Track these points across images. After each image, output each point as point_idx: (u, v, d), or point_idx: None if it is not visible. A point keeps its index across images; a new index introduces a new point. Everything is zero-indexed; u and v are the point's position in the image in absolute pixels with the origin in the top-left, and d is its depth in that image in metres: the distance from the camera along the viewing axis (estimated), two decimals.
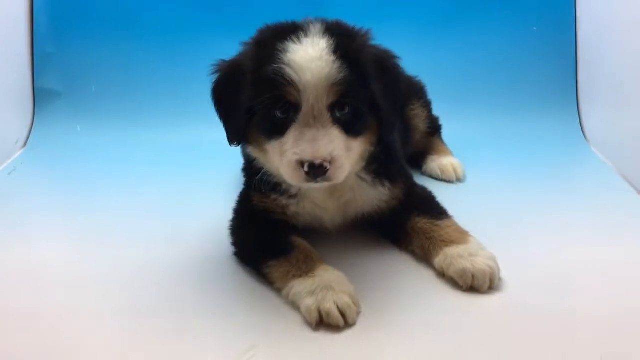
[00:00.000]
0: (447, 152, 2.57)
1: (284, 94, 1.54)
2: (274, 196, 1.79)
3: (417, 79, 2.51)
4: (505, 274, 1.67)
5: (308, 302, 1.51)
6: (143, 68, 3.17)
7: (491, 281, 1.61)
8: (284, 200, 1.79)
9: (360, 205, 1.84)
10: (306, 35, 1.59)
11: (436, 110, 2.60)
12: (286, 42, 1.57)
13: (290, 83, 1.53)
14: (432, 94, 2.58)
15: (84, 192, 2.47)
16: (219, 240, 1.91)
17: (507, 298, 1.61)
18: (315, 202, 1.80)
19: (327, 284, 1.54)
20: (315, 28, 1.61)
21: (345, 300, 1.50)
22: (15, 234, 2.08)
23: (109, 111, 3.10)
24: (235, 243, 1.84)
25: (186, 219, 2.15)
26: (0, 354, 1.45)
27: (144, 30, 3.18)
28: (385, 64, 1.69)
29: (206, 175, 2.57)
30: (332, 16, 1.72)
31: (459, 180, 2.46)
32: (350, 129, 1.60)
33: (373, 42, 1.70)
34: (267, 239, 1.76)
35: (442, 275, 1.69)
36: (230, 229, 1.87)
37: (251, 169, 1.82)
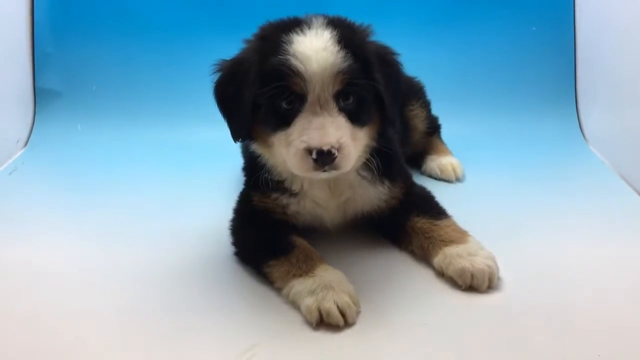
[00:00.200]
0: (447, 151, 2.58)
1: (289, 84, 1.55)
2: (274, 195, 1.80)
3: (417, 79, 2.52)
4: (504, 273, 1.68)
5: (308, 302, 1.52)
6: (143, 67, 3.17)
7: (490, 280, 1.62)
8: (284, 199, 1.80)
9: (360, 204, 1.85)
10: (309, 27, 1.61)
11: (435, 110, 2.61)
12: (290, 34, 1.59)
13: (296, 73, 1.54)
14: (431, 94, 2.59)
15: (84, 191, 2.48)
16: (219, 240, 1.92)
17: (506, 297, 1.62)
18: (316, 201, 1.81)
19: (327, 283, 1.55)
20: (318, 21, 1.64)
21: (345, 299, 1.51)
22: (16, 234, 2.09)
23: (109, 110, 3.11)
24: (236, 243, 1.85)
25: (186, 218, 2.16)
26: (1, 354, 1.46)
27: (144, 30, 3.18)
28: (387, 58, 1.72)
29: (206, 174, 2.57)
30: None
31: (458, 179, 2.46)
32: (356, 118, 1.61)
33: (373, 38, 1.73)
34: (267, 238, 1.76)
35: (441, 274, 1.70)
36: (231, 229, 1.88)
37: (253, 167, 1.82)
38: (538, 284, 1.68)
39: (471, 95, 3.09)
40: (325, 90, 1.55)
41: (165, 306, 1.63)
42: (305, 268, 1.62)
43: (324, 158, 1.52)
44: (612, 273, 1.75)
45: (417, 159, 2.57)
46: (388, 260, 1.82)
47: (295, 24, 1.63)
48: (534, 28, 3.17)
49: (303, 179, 1.77)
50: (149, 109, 3.11)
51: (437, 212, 1.86)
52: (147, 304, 1.65)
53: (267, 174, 1.77)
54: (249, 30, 1.74)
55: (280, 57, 1.56)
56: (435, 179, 2.49)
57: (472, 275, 1.62)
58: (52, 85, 3.16)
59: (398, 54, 1.77)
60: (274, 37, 1.61)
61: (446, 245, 1.72)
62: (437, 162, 2.50)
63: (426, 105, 2.54)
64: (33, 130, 3.08)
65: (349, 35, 1.62)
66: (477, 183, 2.45)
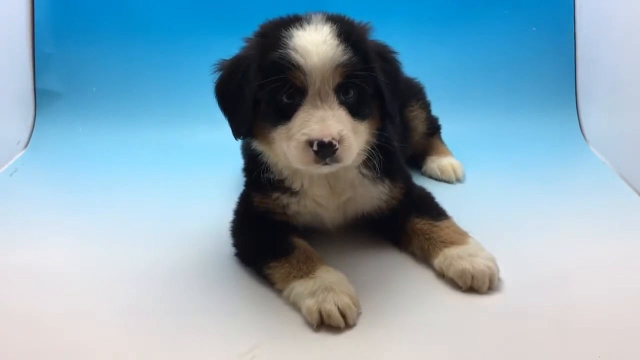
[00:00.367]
0: (447, 152, 2.58)
1: (290, 78, 1.56)
2: (275, 195, 1.80)
3: (416, 80, 2.52)
4: (504, 274, 1.68)
5: (309, 303, 1.52)
6: (144, 69, 3.18)
7: (490, 282, 1.63)
8: (285, 199, 1.80)
9: (360, 204, 1.85)
10: (309, 23, 1.63)
11: (435, 110, 2.61)
12: (290, 29, 1.60)
13: (296, 67, 1.55)
14: (431, 94, 2.59)
15: (85, 192, 2.49)
16: (219, 241, 1.92)
17: (506, 298, 1.62)
18: (316, 200, 1.81)
19: (327, 285, 1.55)
20: (317, 17, 1.65)
21: (345, 301, 1.51)
22: (17, 235, 2.09)
23: (109, 112, 3.11)
24: (236, 244, 1.85)
25: (187, 219, 2.16)
26: (2, 356, 1.47)
27: (144, 31, 3.18)
28: (386, 56, 1.73)
29: (207, 175, 2.58)
30: None
31: (458, 180, 2.47)
32: (356, 112, 1.62)
33: (372, 37, 1.74)
34: (268, 240, 1.77)
35: (441, 275, 1.71)
36: (231, 230, 1.88)
37: (254, 166, 1.82)
38: (538, 285, 1.68)
39: (471, 95, 3.10)
40: (326, 83, 1.56)
41: (166, 307, 1.64)
42: (306, 269, 1.62)
43: (325, 150, 1.52)
44: (613, 273, 1.75)
45: (417, 160, 2.57)
46: (388, 261, 1.82)
47: (295, 20, 1.65)
48: (534, 28, 3.17)
49: (303, 177, 1.77)
50: (149, 109, 3.11)
51: (437, 213, 1.86)
52: (147, 305, 1.65)
53: (267, 173, 1.78)
54: (250, 31, 1.75)
55: (280, 51, 1.57)
56: (436, 179, 2.49)
57: (473, 277, 1.62)
58: (52, 86, 3.16)
59: (397, 53, 1.78)
60: (274, 32, 1.63)
61: (446, 247, 1.72)
62: (438, 162, 2.50)
63: (426, 106, 2.54)
64: (33, 131, 3.08)
65: (348, 30, 1.63)
66: (478, 184, 2.45)
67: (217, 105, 1.76)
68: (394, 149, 1.88)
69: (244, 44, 1.73)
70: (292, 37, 1.59)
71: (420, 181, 2.22)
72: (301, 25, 1.62)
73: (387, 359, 1.41)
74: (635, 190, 2.33)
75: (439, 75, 2.96)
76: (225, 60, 1.74)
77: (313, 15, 1.66)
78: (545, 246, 1.90)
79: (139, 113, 3.11)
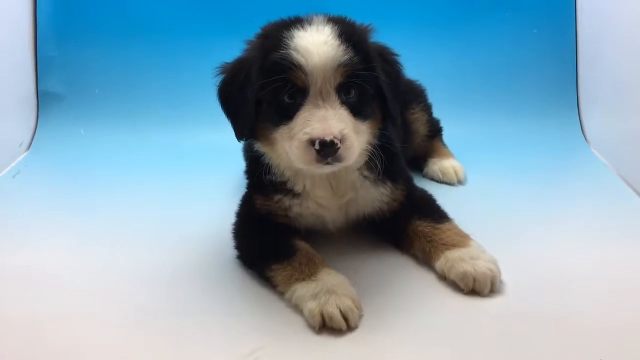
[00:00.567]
0: (449, 154, 2.58)
1: (291, 78, 1.57)
2: (277, 197, 1.81)
3: (418, 82, 2.53)
4: (506, 277, 1.68)
5: (311, 306, 1.52)
6: (146, 71, 3.18)
7: (492, 284, 1.63)
8: (287, 201, 1.81)
9: (362, 206, 1.85)
10: (311, 24, 1.64)
11: (437, 113, 2.61)
12: (292, 31, 1.62)
13: (298, 67, 1.56)
14: (433, 97, 2.59)
15: (87, 194, 2.49)
16: (222, 244, 1.92)
17: (508, 301, 1.62)
18: (318, 202, 1.81)
19: (330, 287, 1.55)
20: (319, 19, 1.67)
21: (347, 304, 1.51)
22: (20, 236, 2.10)
23: (112, 114, 3.12)
24: (238, 247, 1.85)
25: (189, 222, 2.17)
26: (3, 358, 1.47)
27: (146, 34, 3.19)
28: (388, 57, 1.74)
29: (209, 177, 2.58)
30: None
31: (460, 183, 2.47)
32: (358, 112, 1.63)
33: (374, 39, 1.75)
34: (270, 242, 1.77)
35: (443, 278, 1.71)
36: (233, 233, 1.88)
37: (256, 168, 1.82)
38: (540, 288, 1.68)
39: (473, 98, 3.09)
40: (327, 83, 1.57)
41: (168, 310, 1.64)
42: (308, 272, 1.62)
43: (327, 149, 1.53)
44: (615, 276, 1.75)
45: (419, 163, 2.57)
46: (390, 264, 1.82)
47: (297, 22, 1.66)
48: (536, 31, 3.17)
49: (306, 178, 1.78)
50: (151, 112, 3.12)
51: (439, 215, 1.86)
52: (150, 307, 1.65)
53: (270, 175, 1.78)
54: (251, 33, 1.76)
55: (282, 51, 1.58)
56: (438, 182, 2.49)
57: (475, 279, 1.62)
58: (55, 88, 3.17)
59: (399, 55, 1.79)
60: (276, 34, 1.64)
61: (448, 249, 1.72)
62: (439, 165, 2.50)
63: (427, 108, 2.54)
64: (36, 133, 3.09)
65: (349, 31, 1.64)
66: (480, 186, 2.45)
67: (220, 108, 1.77)
68: (396, 150, 1.88)
69: (246, 47, 1.74)
70: (294, 38, 1.60)
71: (422, 184, 2.22)
72: (303, 27, 1.63)
73: None
74: (637, 192, 2.33)
75: (441, 78, 2.96)
76: (228, 63, 1.76)
77: (315, 17, 1.68)
78: (547, 249, 1.90)
79: (141, 115, 3.12)
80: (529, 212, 2.17)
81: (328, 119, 1.55)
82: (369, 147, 1.72)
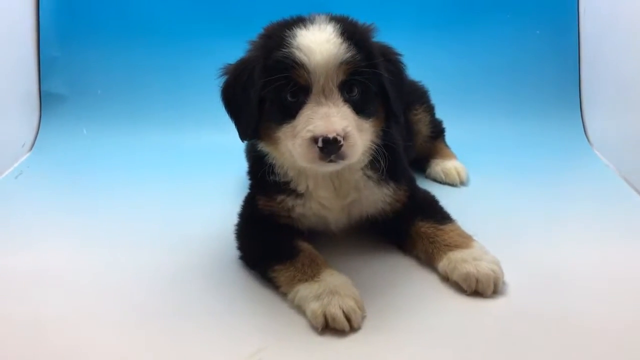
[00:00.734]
0: (451, 155, 2.58)
1: (294, 76, 1.58)
2: (280, 197, 1.81)
3: (420, 83, 2.53)
4: (509, 278, 1.68)
5: (314, 307, 1.52)
6: (148, 72, 3.19)
7: (495, 285, 1.63)
8: (290, 202, 1.81)
9: (365, 206, 1.85)
10: (312, 23, 1.65)
11: (439, 114, 2.61)
12: (294, 29, 1.62)
13: (300, 65, 1.56)
14: (435, 98, 2.59)
15: (90, 195, 2.50)
16: (224, 244, 1.92)
17: (511, 302, 1.62)
18: (321, 202, 1.81)
19: (332, 288, 1.55)
20: (321, 17, 1.67)
21: (350, 304, 1.51)
22: (22, 237, 2.10)
23: (114, 114, 3.13)
24: (241, 247, 1.85)
25: (191, 222, 2.17)
26: (6, 359, 1.47)
27: (149, 34, 3.20)
28: (390, 56, 1.74)
29: (212, 178, 2.58)
30: None
31: (462, 183, 2.47)
32: (360, 110, 1.63)
33: (376, 38, 1.75)
34: (273, 243, 1.77)
35: (446, 279, 1.70)
36: (236, 233, 1.88)
37: (259, 168, 1.82)
38: (543, 289, 1.68)
39: (475, 99, 3.10)
40: (330, 81, 1.58)
41: (170, 310, 1.64)
42: (311, 273, 1.62)
43: (329, 146, 1.53)
44: (617, 277, 1.74)
45: (422, 163, 2.58)
46: (393, 264, 1.82)
47: (299, 21, 1.67)
48: (538, 32, 3.17)
49: (308, 178, 1.78)
50: (154, 112, 3.13)
51: (441, 216, 1.86)
52: (152, 307, 1.65)
53: (272, 175, 1.78)
54: (254, 34, 1.76)
55: (284, 50, 1.59)
56: (440, 183, 2.49)
57: (477, 280, 1.62)
58: (57, 89, 3.18)
59: (401, 54, 1.79)
60: (278, 33, 1.64)
61: (451, 250, 1.72)
62: (442, 166, 2.51)
63: (430, 109, 2.54)
64: (39, 133, 3.10)
65: (351, 29, 1.65)
66: (482, 187, 2.45)
67: (224, 108, 1.77)
68: (399, 150, 1.88)
69: (248, 47, 1.75)
70: (296, 36, 1.60)
71: (424, 184, 2.22)
72: (305, 25, 1.64)
73: None
74: (639, 193, 2.33)
75: (443, 79, 2.96)
76: (230, 64, 1.76)
77: (317, 16, 1.68)
78: (550, 249, 1.90)
79: (143, 115, 3.13)
80: (531, 213, 2.17)
81: (330, 116, 1.55)
82: (372, 145, 1.72)
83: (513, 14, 3.18)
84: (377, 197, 1.84)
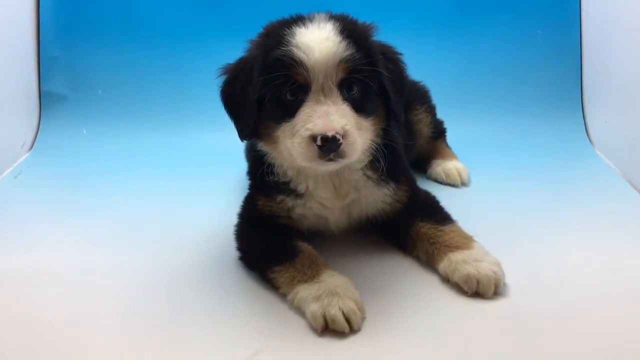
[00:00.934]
0: (452, 156, 2.57)
1: (292, 74, 1.57)
2: (280, 197, 1.80)
3: (422, 83, 2.52)
4: (509, 279, 1.67)
5: (313, 308, 1.51)
6: (149, 72, 3.18)
7: (496, 287, 1.62)
8: (290, 202, 1.80)
9: (365, 206, 1.85)
10: (312, 21, 1.64)
11: (441, 114, 2.60)
12: (293, 28, 1.62)
13: (299, 63, 1.56)
14: (436, 98, 2.58)
15: (89, 194, 2.49)
16: (223, 245, 1.91)
17: (512, 303, 1.61)
18: (321, 202, 1.81)
19: (332, 289, 1.54)
20: (320, 16, 1.67)
21: (350, 306, 1.50)
22: (21, 237, 2.10)
23: (114, 115, 3.12)
24: (240, 248, 1.84)
25: (191, 222, 2.16)
26: (5, 359, 1.46)
27: (149, 34, 3.19)
28: (391, 55, 1.74)
29: (211, 178, 2.58)
30: None
31: (463, 184, 2.46)
32: (360, 108, 1.62)
33: (376, 37, 1.74)
34: (272, 243, 1.76)
35: (446, 280, 1.70)
36: (235, 234, 1.88)
37: (258, 168, 1.81)
38: (544, 290, 1.67)
39: (476, 99, 3.09)
40: (329, 79, 1.57)
41: (169, 311, 1.63)
42: (311, 274, 1.61)
43: (328, 145, 1.52)
44: (619, 278, 1.74)
45: (423, 164, 2.57)
46: (393, 265, 1.81)
47: (298, 19, 1.67)
48: (540, 32, 3.16)
49: (308, 178, 1.77)
50: (154, 113, 3.12)
51: (442, 217, 1.85)
52: (151, 308, 1.65)
53: (272, 175, 1.77)
54: (254, 34, 1.75)
55: (282, 48, 1.58)
56: (441, 183, 2.48)
57: (478, 282, 1.61)
58: (57, 89, 3.17)
59: (401, 54, 1.78)
60: (277, 32, 1.64)
61: (451, 251, 1.71)
62: (443, 166, 2.50)
63: (431, 109, 2.53)
64: (38, 133, 3.10)
65: (351, 28, 1.64)
66: (483, 188, 2.44)
67: (223, 108, 1.77)
68: (399, 149, 1.88)
69: (247, 46, 1.74)
70: (295, 35, 1.60)
71: (425, 185, 2.21)
72: (304, 24, 1.63)
73: None
74: None
75: (444, 79, 2.95)
76: (229, 63, 1.76)
77: (316, 15, 1.68)
78: (551, 251, 1.89)
79: (143, 116, 3.12)
80: (533, 214, 2.16)
81: (329, 115, 1.55)
82: (372, 144, 1.71)
83: (514, 14, 3.17)
84: (377, 197, 1.84)
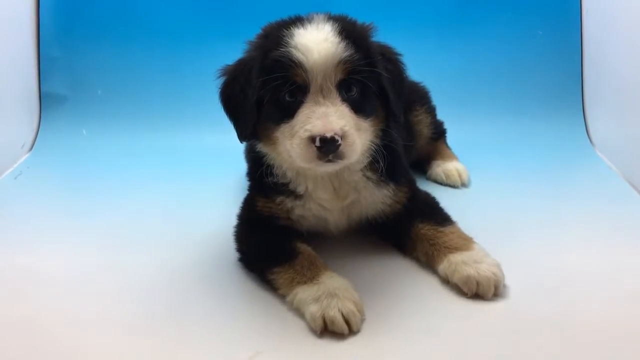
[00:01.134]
0: (452, 156, 2.57)
1: (291, 75, 1.57)
2: (279, 199, 1.80)
3: (422, 84, 2.51)
4: (509, 280, 1.66)
5: (312, 309, 1.51)
6: (149, 72, 3.18)
7: (496, 288, 1.61)
8: (289, 203, 1.80)
9: (365, 207, 1.84)
10: (311, 22, 1.64)
11: (441, 115, 2.60)
12: (292, 29, 1.62)
13: (298, 64, 1.56)
14: (436, 98, 2.58)
15: (89, 195, 2.49)
16: (223, 246, 1.91)
17: (511, 305, 1.61)
18: (321, 204, 1.81)
19: (331, 291, 1.54)
20: (319, 17, 1.67)
21: (349, 307, 1.50)
22: (21, 238, 2.10)
23: (114, 115, 3.12)
24: (240, 249, 1.84)
25: (191, 223, 2.16)
26: (4, 359, 1.47)
27: (149, 35, 3.19)
28: (390, 56, 1.74)
29: (211, 179, 2.58)
30: None
31: (463, 185, 2.45)
32: (359, 109, 1.62)
33: (376, 38, 1.74)
34: (272, 245, 1.76)
35: (446, 282, 1.69)
36: (235, 235, 1.88)
37: (258, 169, 1.81)
38: (544, 292, 1.67)
39: (477, 100, 3.08)
40: (328, 80, 1.57)
41: (168, 312, 1.63)
42: (310, 275, 1.61)
43: (327, 146, 1.52)
44: (620, 280, 1.73)
45: (423, 165, 2.56)
46: (393, 267, 1.81)
47: (297, 20, 1.66)
48: (540, 32, 3.16)
49: (307, 179, 1.77)
50: (154, 113, 3.12)
51: (441, 218, 1.85)
52: (150, 308, 1.65)
53: (271, 176, 1.77)
54: (253, 35, 1.75)
55: (281, 49, 1.58)
56: (441, 184, 2.48)
57: (478, 283, 1.61)
58: (57, 89, 3.17)
59: (401, 54, 1.78)
60: (276, 33, 1.64)
61: (451, 252, 1.71)
62: (443, 167, 2.49)
63: (431, 110, 2.53)
64: (38, 134, 3.09)
65: (350, 29, 1.64)
66: (483, 188, 2.44)
67: (222, 109, 1.77)
68: (399, 150, 1.87)
69: (246, 47, 1.74)
70: (294, 35, 1.60)
71: (425, 186, 2.21)
72: (303, 25, 1.63)
73: None
74: None
75: (444, 80, 2.95)
76: (229, 65, 1.76)
77: (315, 15, 1.68)
78: (551, 252, 1.88)
79: (143, 116, 3.12)
80: (533, 215, 2.16)
81: (328, 116, 1.54)
82: (372, 145, 1.71)
83: (514, 14, 3.16)
84: (377, 198, 1.83)
